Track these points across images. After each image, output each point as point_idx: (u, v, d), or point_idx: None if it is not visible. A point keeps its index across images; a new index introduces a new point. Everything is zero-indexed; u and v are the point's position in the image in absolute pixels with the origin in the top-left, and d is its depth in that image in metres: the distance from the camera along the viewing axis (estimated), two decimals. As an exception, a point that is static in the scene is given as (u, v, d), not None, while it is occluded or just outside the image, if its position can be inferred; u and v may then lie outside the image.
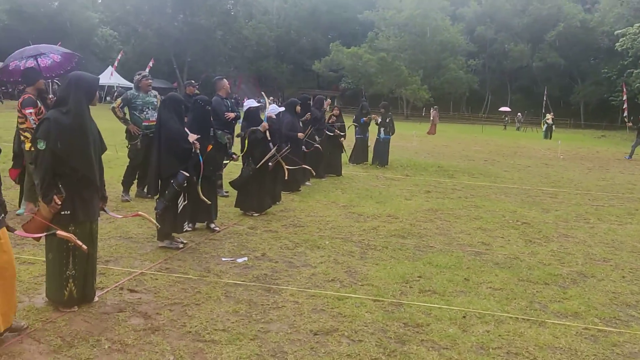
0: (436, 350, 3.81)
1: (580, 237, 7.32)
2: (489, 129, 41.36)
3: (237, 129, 8.83)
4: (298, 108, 9.69)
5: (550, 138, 31.46)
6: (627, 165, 18.18)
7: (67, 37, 49.14)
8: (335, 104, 16.00)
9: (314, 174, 10.13)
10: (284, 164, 8.08)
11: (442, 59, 55.11)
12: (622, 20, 45.79)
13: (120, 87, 43.25)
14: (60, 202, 3.86)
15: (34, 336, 3.61)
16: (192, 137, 5.92)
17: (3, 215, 3.48)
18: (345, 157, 12.90)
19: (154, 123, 8.10)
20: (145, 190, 8.19)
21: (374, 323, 4.20)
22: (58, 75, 7.99)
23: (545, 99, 48.23)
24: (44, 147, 3.85)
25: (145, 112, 8.05)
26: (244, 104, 8.08)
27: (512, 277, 5.46)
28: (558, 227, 7.84)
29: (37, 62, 7.34)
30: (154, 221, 4.69)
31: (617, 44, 39.91)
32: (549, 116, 33.43)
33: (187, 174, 5.73)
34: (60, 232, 3.75)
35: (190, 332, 3.86)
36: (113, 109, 8.08)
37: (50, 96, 7.36)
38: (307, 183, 10.34)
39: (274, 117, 7.99)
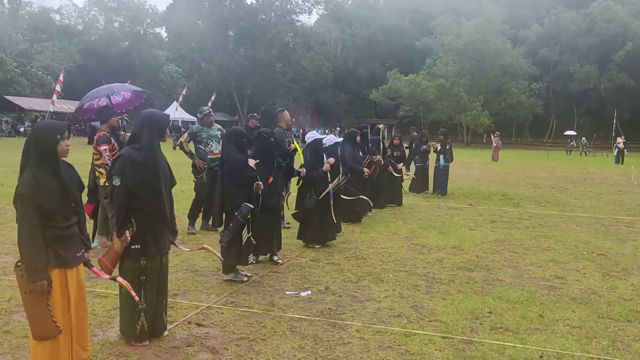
0: (512, 393, 3.62)
1: (662, 269, 6.86)
2: (555, 155, 39.97)
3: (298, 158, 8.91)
4: (358, 138, 9.69)
5: (622, 163, 30.02)
6: None
7: (136, 74, 51.84)
8: (394, 132, 15.87)
9: (372, 204, 10.03)
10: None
11: (503, 83, 54.09)
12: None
13: (184, 120, 44.94)
14: (130, 237, 3.98)
15: (107, 370, 3.69)
16: (252, 162, 6.00)
17: (84, 250, 3.61)
18: (405, 186, 12.75)
19: (219, 155, 8.36)
20: (210, 222, 8.37)
21: (444, 362, 4.05)
22: (128, 112, 8.36)
23: (615, 121, 46.25)
24: (118, 183, 4.00)
25: (210, 145, 8.28)
26: (307, 136, 8.14)
27: (591, 313, 5.16)
28: (637, 259, 7.38)
29: (109, 100, 7.72)
30: (219, 255, 4.75)
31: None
32: (619, 140, 31.99)
33: (251, 206, 5.80)
34: (119, 279, 3.84)
35: (256, 368, 3.85)
36: (180, 144, 8.37)
37: (122, 132, 7.71)
38: (368, 214, 10.27)
39: (327, 146, 8.00)
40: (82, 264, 3.57)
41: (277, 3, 60.37)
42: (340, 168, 8.39)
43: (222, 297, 5.33)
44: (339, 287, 5.78)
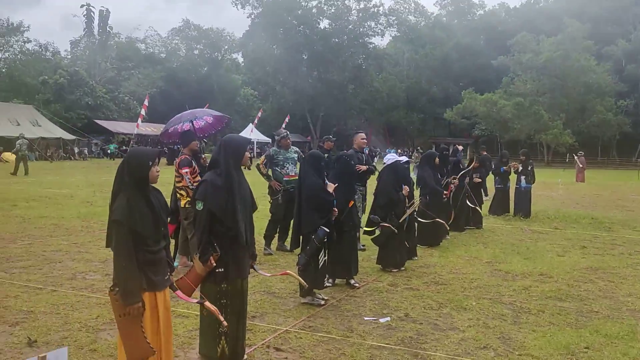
0: None
1: None
2: (646, 175, 37.37)
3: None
4: (437, 160, 9.43)
5: None
6: None
7: (214, 98, 53.83)
8: (469, 153, 15.37)
9: (448, 228, 9.68)
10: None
11: (587, 101, 51.47)
12: None
13: (259, 142, 46.02)
14: (215, 262, 3.99)
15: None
16: (330, 187, 5.95)
17: (169, 274, 3.64)
18: (484, 208, 12.28)
19: (295, 178, 8.39)
20: (285, 243, 8.38)
21: (538, 401, 3.74)
22: (210, 135, 8.59)
23: None
24: (201, 207, 4.02)
25: (286, 168, 8.33)
26: (386, 157, 7.99)
27: None
28: None
29: (192, 124, 7.95)
30: (303, 282, 4.68)
31: None
32: None
33: (328, 230, 5.72)
34: (207, 304, 3.83)
35: (337, 398, 3.71)
36: (257, 167, 8.48)
37: (204, 156, 7.90)
38: (446, 237, 9.93)
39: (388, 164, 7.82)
40: (168, 288, 3.60)
41: (350, 27, 61.06)
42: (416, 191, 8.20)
43: (299, 320, 5.24)
44: (419, 314, 5.56)
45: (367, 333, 4.97)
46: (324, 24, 61.26)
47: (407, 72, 66.65)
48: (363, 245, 8.67)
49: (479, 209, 11.43)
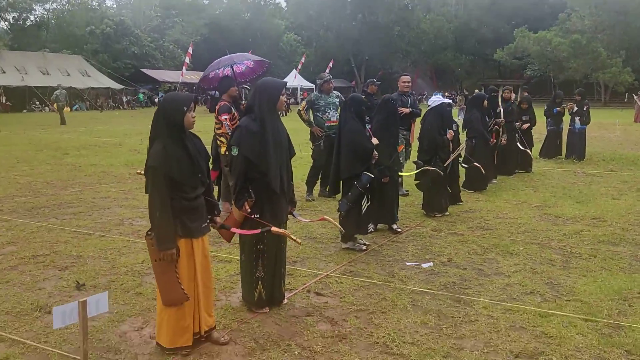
0: (673, 391, 3.12)
1: None
2: None
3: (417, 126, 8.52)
4: (485, 103, 9.03)
5: None
6: None
7: (257, 44, 53.35)
8: (520, 94, 14.51)
9: (483, 172, 9.25)
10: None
11: (649, 37, 48.21)
12: None
13: (303, 88, 45.65)
14: (249, 208, 3.95)
15: (230, 336, 3.72)
16: (374, 141, 5.78)
17: (216, 213, 3.63)
18: (535, 151, 11.82)
19: (336, 123, 8.22)
20: (327, 190, 8.31)
21: (588, 348, 3.61)
22: (251, 80, 8.47)
23: None
24: (236, 153, 3.96)
25: (327, 113, 8.15)
26: (431, 99, 7.70)
27: None
28: None
29: (232, 69, 7.84)
30: (339, 226, 4.61)
31: None
32: None
33: (372, 175, 5.59)
34: (275, 229, 3.84)
35: (377, 342, 3.68)
36: (298, 112, 8.34)
37: (243, 102, 7.82)
38: (493, 181, 9.63)
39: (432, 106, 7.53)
40: (206, 235, 3.58)
41: (397, -35, 58.55)
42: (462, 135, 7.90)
43: (340, 265, 5.22)
44: (463, 259, 5.43)
45: (409, 278, 4.90)
46: (368, -37, 58.98)
47: (456, 11, 63.78)
48: (406, 191, 8.53)
49: (529, 152, 10.98)
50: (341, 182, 5.78)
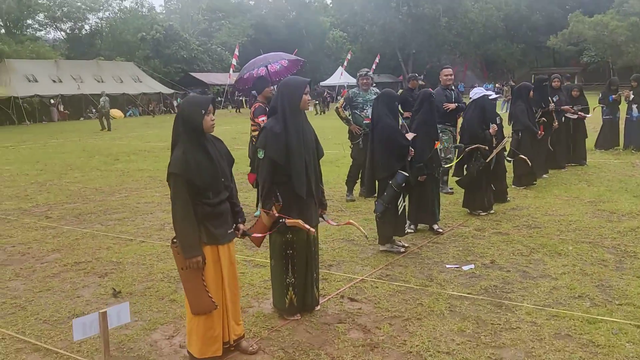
0: None
1: None
2: None
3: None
4: (531, 93, 8.63)
5: None
6: None
7: (302, 43, 53.49)
8: (576, 81, 13.75)
9: (530, 165, 8.85)
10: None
11: None
12: None
13: (349, 85, 45.40)
14: (277, 213, 3.88)
15: (259, 345, 3.66)
16: (410, 136, 5.62)
17: (240, 221, 3.57)
18: (589, 143, 11.25)
19: (375, 121, 8.07)
20: (367, 189, 8.19)
21: (639, 358, 3.34)
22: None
23: None
24: (262, 155, 3.90)
25: (366, 110, 7.98)
26: (473, 92, 7.41)
27: None
28: None
29: (267, 69, 7.82)
30: (364, 231, 4.46)
31: None
32: None
33: (406, 174, 5.42)
34: (289, 220, 3.76)
35: (410, 352, 3.53)
36: (336, 109, 8.23)
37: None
38: (544, 175, 9.23)
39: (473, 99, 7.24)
40: (233, 241, 3.53)
41: (442, -45, 57.33)
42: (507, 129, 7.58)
43: (377, 269, 5.08)
44: (506, 261, 5.19)
45: (448, 282, 4.71)
46: (413, -46, 58.04)
47: (506, -1, 61.97)
48: (451, 189, 8.28)
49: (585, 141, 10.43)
50: (376, 182, 5.63)
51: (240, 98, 40.75)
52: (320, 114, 33.14)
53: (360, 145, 7.97)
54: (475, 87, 7.55)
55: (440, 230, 6.21)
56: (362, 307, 4.27)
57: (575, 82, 12.95)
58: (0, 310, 4.33)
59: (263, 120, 6.85)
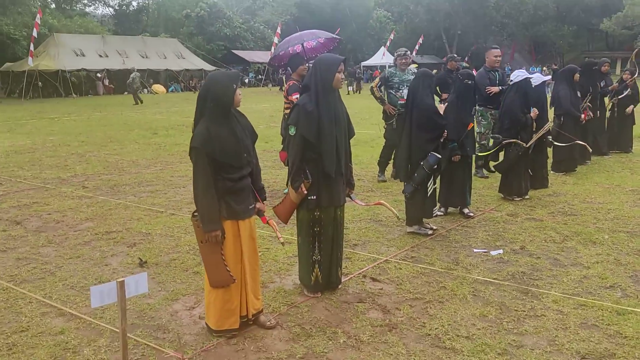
0: None
1: None
2: None
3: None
4: (576, 76, 8.28)
5: None
6: None
7: (346, 22, 52.93)
8: (628, 65, 13.02)
9: (591, 151, 8.59)
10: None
11: None
12: None
13: (391, 66, 44.74)
14: (306, 190, 3.86)
15: (277, 320, 3.67)
16: (440, 109, 5.47)
17: (254, 204, 3.55)
18: (637, 129, 10.76)
19: (410, 101, 7.91)
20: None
21: (667, 354, 3.20)
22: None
23: None
24: (294, 132, 3.87)
25: (401, 91, 7.83)
26: (514, 74, 7.12)
27: None
28: None
29: (303, 46, 7.74)
30: (395, 211, 4.40)
31: None
32: None
33: (439, 156, 5.30)
34: (271, 222, 3.68)
35: (429, 334, 3.48)
36: (371, 89, 8.10)
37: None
38: (586, 162, 8.90)
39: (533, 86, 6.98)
40: (253, 217, 3.53)
41: None
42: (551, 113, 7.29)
43: (402, 250, 5.01)
44: (537, 248, 5.04)
45: (474, 266, 4.61)
46: None
47: (558, -22, 59.62)
48: (487, 173, 8.08)
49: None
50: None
51: (282, 76, 40.77)
52: (356, 92, 32.87)
53: (394, 126, 7.83)
54: (518, 70, 7.25)
55: (471, 214, 6.07)
56: (383, 287, 4.22)
57: (627, 67, 12.28)
58: (30, 275, 4.49)
59: (296, 98, 6.81)
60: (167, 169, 9.05)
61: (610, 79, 10.05)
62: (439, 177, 5.73)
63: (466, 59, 47.83)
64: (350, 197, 4.24)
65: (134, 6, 55.89)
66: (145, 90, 35.49)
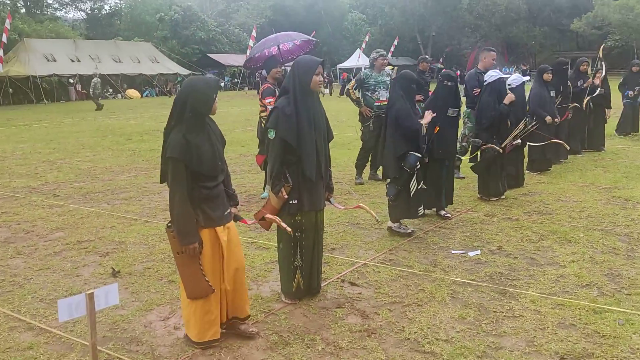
0: None
1: None
2: None
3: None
4: (546, 76, 8.37)
5: None
6: None
7: (321, 24, 52.97)
8: (597, 64, 13.19)
9: (568, 148, 8.70)
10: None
11: None
12: None
13: (367, 68, 44.89)
14: (286, 194, 3.80)
15: (257, 329, 3.59)
16: (426, 119, 5.42)
17: (232, 205, 3.47)
18: (608, 128, 10.94)
19: (386, 103, 7.89)
20: (377, 173, 8.06)
21: (644, 352, 3.22)
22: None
23: None
24: (273, 136, 3.80)
25: (377, 92, 7.83)
26: (487, 74, 7.15)
27: None
28: None
29: (279, 48, 7.67)
30: (374, 215, 4.36)
31: None
32: None
33: (419, 155, 5.29)
34: (268, 216, 3.67)
35: (408, 339, 3.44)
36: (347, 91, 8.08)
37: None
38: (561, 160, 9.00)
39: (514, 87, 7.04)
40: (232, 222, 3.45)
41: None
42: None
43: (380, 253, 4.98)
44: (514, 247, 5.06)
45: (452, 268, 4.60)
46: None
47: (529, -21, 60.56)
48: (462, 175, 8.11)
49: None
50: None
51: (258, 79, 40.63)
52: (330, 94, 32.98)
53: (371, 128, 7.83)
54: (491, 70, 7.27)
55: (449, 215, 6.08)
56: (362, 291, 4.18)
57: (597, 67, 12.53)
58: (-2, 288, 4.34)
59: (270, 102, 6.74)
60: (141, 175, 8.89)
61: (588, 78, 10.19)
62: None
63: (440, 60, 48.39)
64: (330, 201, 4.19)
65: (106, 10, 55.21)
66: (119, 95, 35.04)
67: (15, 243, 5.47)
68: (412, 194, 5.40)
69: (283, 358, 3.25)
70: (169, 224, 3.25)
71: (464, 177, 8.00)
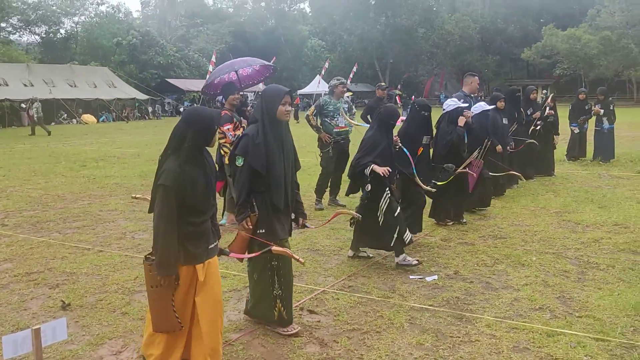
0: None
1: None
2: None
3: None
4: (500, 104, 8.62)
5: None
6: None
7: (281, 51, 53.49)
8: (549, 92, 13.76)
9: (523, 179, 8.93)
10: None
11: (685, 31, 46.60)
12: None
13: (327, 94, 45.37)
14: (251, 224, 3.76)
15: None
16: (379, 170, 5.32)
17: (216, 241, 3.36)
18: (558, 154, 11.33)
19: (346, 129, 7.98)
20: (337, 198, 8.11)
21: (595, 374, 3.30)
22: (258, 82, 8.29)
23: None
24: (242, 163, 3.77)
25: (336, 119, 7.90)
26: (446, 103, 7.24)
27: None
28: None
29: (237, 73, 7.67)
30: (355, 213, 4.44)
31: None
32: None
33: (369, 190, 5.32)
34: (275, 248, 3.62)
35: (366, 366, 3.44)
36: (307, 117, 8.13)
37: (249, 107, 7.67)
38: (513, 186, 9.25)
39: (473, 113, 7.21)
40: (214, 257, 3.32)
41: (419, -35, 58.04)
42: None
43: (339, 280, 4.98)
44: (470, 272, 5.14)
45: (410, 293, 4.63)
46: (391, -36, 58.55)
47: (482, 11, 62.86)
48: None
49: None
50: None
51: (218, 105, 40.51)
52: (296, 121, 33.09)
53: (330, 154, 7.89)
54: (448, 99, 7.41)
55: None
56: (321, 319, 4.16)
57: (548, 95, 13.09)
58: (-61, 324, 4.12)
59: (228, 129, 6.73)
60: (95, 202, 8.67)
61: (538, 106, 10.57)
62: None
63: (398, 86, 49.39)
64: (307, 226, 4.20)
65: (61, 34, 54.25)
66: (74, 120, 34.27)
67: (-42, 276, 5.22)
68: (380, 223, 5.31)
69: (240, 390, 3.18)
70: (148, 256, 3.13)
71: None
